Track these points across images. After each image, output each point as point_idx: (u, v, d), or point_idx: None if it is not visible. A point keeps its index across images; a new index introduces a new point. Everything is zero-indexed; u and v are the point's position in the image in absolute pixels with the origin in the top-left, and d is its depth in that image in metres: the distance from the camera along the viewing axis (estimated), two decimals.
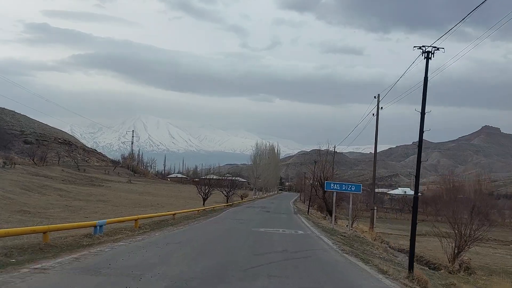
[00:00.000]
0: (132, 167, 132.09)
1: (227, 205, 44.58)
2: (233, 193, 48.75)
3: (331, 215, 38.44)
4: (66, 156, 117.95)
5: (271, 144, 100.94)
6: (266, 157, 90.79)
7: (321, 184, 37.28)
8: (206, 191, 36.75)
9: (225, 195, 46.91)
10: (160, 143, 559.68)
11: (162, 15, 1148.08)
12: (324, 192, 37.19)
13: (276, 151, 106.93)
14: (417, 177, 12.33)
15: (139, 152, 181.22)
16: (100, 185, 73.18)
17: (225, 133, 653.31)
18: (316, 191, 38.02)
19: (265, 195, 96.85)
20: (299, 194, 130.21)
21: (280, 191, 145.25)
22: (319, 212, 51.07)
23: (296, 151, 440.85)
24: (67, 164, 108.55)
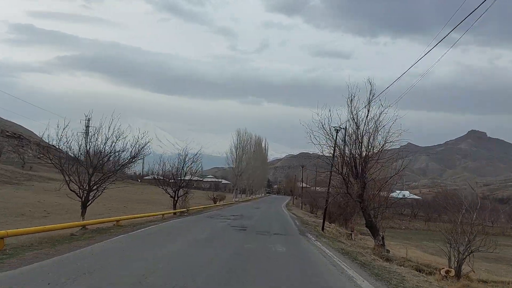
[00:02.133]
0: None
1: (172, 214, 23.65)
2: (187, 193, 27.83)
3: (374, 234, 17.76)
4: (13, 151, 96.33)
5: (257, 136, 79.87)
6: (251, 150, 69.83)
7: (356, 171, 16.57)
8: (86, 187, 15.26)
9: (171, 197, 26.04)
10: (147, 146, 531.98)
11: (150, 17, 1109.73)
12: (364, 186, 16.46)
13: (263, 145, 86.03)
14: None
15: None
16: (20, 184, 51.71)
17: (213, 136, 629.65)
18: (347, 184, 17.01)
19: (249, 197, 75.73)
20: (290, 197, 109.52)
21: (268, 194, 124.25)
22: (333, 224, 30.20)
23: (284, 155, 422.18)
24: (12, 160, 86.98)
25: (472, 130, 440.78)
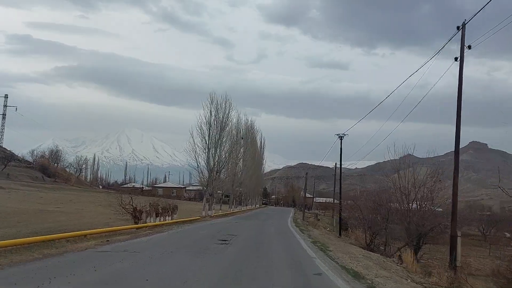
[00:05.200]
0: (47, 168, 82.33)
1: None
2: None
3: None
4: None
5: (248, 119, 52.38)
6: (236, 133, 42.44)
7: None
8: None
9: None
10: (144, 157, 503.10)
11: (147, 27, 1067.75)
12: None
13: (256, 131, 58.06)
14: None
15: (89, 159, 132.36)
16: None
17: None
18: None
19: (235, 209, 47.73)
20: (292, 208, 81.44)
21: (264, 205, 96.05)
22: None
23: (282, 166, 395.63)
24: None
25: (473, 141, 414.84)
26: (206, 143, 35.16)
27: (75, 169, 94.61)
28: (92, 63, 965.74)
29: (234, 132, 41.36)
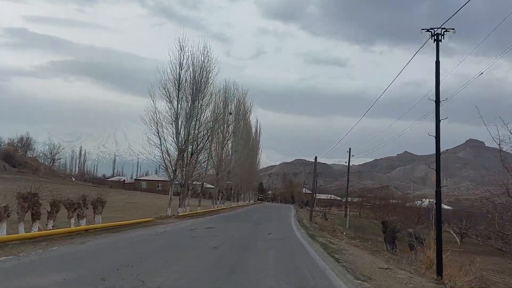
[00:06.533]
0: (12, 157, 70.49)
1: None
2: None
3: None
4: None
5: (240, 89, 40.26)
6: (223, 105, 30.89)
7: None
8: None
9: None
10: (140, 152, 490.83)
11: (145, 21, 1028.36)
12: None
13: (249, 107, 45.86)
14: None
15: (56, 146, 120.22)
16: None
17: None
18: None
19: (223, 206, 36.18)
20: (292, 205, 70.12)
21: (260, 201, 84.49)
22: None
23: (278, 162, 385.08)
24: None
25: (470, 139, 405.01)
26: (174, 109, 23.69)
27: (48, 159, 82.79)
28: (88, 57, 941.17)
29: (219, 101, 29.91)
